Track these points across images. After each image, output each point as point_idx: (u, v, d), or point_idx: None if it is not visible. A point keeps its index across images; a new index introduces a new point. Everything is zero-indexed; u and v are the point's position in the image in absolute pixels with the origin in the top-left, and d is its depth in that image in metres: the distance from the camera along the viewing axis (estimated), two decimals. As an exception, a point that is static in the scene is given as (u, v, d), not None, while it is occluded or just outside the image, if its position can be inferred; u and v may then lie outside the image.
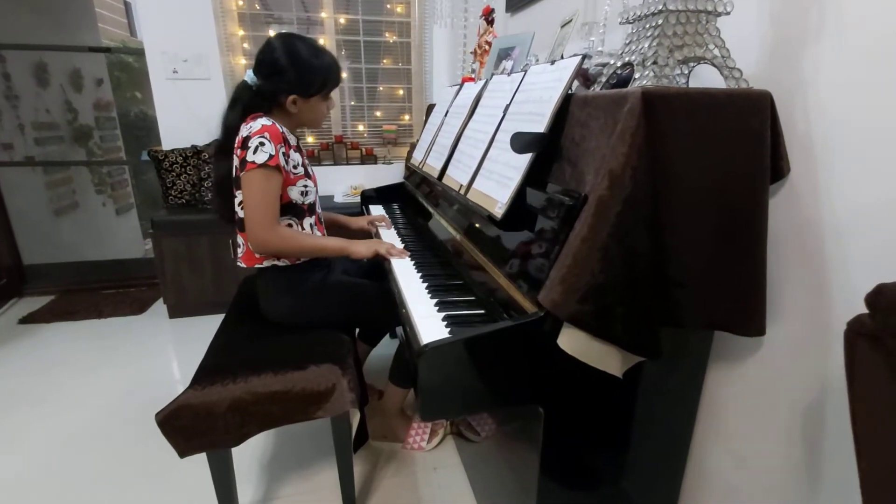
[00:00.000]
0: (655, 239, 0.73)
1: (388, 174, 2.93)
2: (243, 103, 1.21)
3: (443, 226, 1.36)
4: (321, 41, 2.86)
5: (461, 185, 1.18)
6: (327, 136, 2.98)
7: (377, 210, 1.96)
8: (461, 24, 1.97)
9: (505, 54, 1.53)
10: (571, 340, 0.73)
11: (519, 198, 0.90)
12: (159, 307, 2.55)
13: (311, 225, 1.30)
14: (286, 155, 1.18)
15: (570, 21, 1.13)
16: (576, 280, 0.70)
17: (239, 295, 1.50)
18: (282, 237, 1.18)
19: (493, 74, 1.42)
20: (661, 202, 0.73)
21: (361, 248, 1.27)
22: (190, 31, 2.50)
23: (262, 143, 1.11)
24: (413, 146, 2.22)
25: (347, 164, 2.93)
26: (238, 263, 1.28)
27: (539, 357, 0.78)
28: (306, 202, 1.27)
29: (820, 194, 0.76)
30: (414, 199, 1.78)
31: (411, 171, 2.00)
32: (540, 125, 0.89)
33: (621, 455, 0.98)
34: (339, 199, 2.73)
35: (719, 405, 0.98)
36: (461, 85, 1.63)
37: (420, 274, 1.16)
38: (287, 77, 1.18)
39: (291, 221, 1.25)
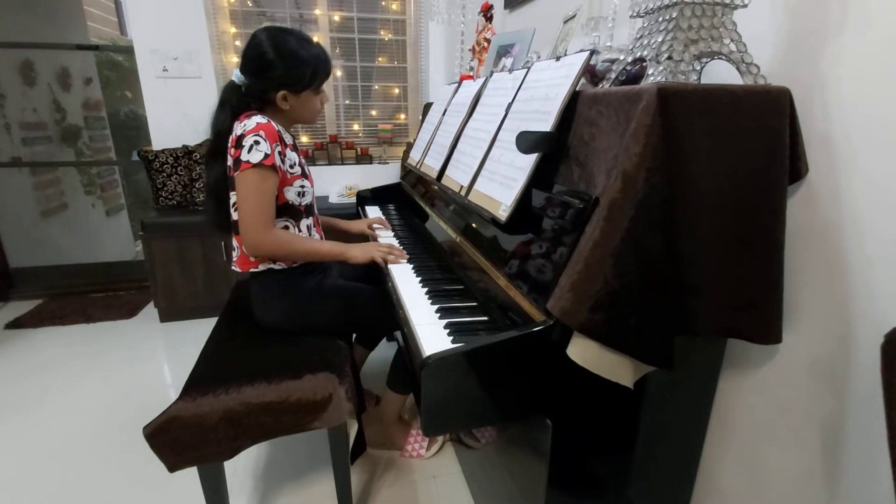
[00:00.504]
0: (670, 244, 0.69)
1: (384, 174, 2.89)
2: (232, 105, 1.16)
3: (441, 227, 1.32)
4: (315, 39, 2.82)
5: (462, 187, 1.14)
6: (322, 136, 2.92)
7: (373, 211, 1.92)
8: (458, 21, 1.93)
9: (504, 51, 1.49)
10: (582, 351, 0.69)
11: (524, 200, 0.87)
12: (150, 311, 2.49)
13: (308, 227, 1.25)
14: (282, 154, 1.13)
15: (574, 16, 1.10)
16: (587, 287, 0.67)
17: (232, 300, 1.45)
18: (277, 240, 1.13)
19: (492, 72, 1.38)
20: (677, 205, 0.69)
21: (358, 253, 1.23)
22: (180, 28, 2.44)
23: (256, 142, 1.07)
24: (409, 145, 2.19)
25: (342, 163, 2.88)
26: (233, 267, 1.23)
27: (547, 367, 0.75)
28: (303, 203, 1.22)
29: (840, 196, 0.73)
30: (411, 200, 1.74)
31: (407, 171, 1.95)
32: (546, 124, 0.85)
33: (631, 465, 0.94)
34: (333, 199, 2.68)
35: (732, 413, 0.95)
36: (459, 83, 1.59)
37: (419, 279, 1.12)
38: (275, 72, 1.13)
39: (288, 223, 1.20)
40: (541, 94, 0.91)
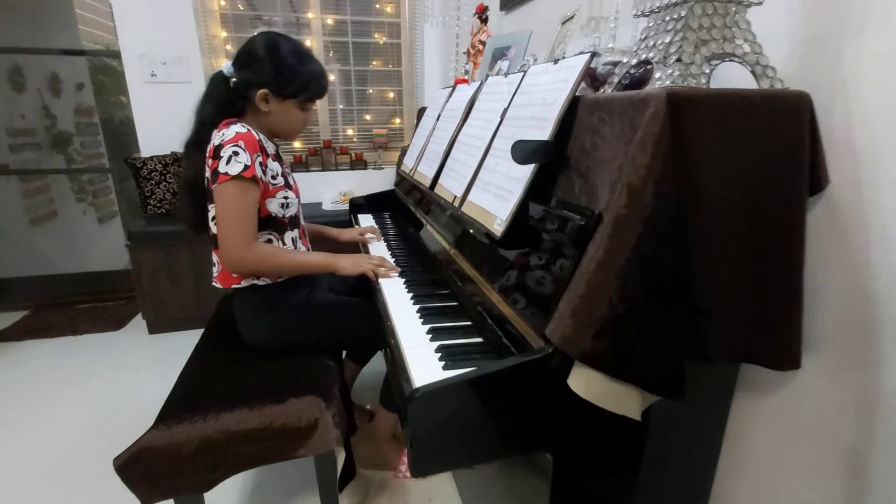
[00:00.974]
0: (681, 262, 0.63)
1: (379, 180, 2.82)
2: (216, 98, 1.11)
3: (435, 238, 1.26)
4: (308, 43, 2.77)
5: (455, 197, 1.08)
6: (315, 142, 2.87)
7: (366, 219, 1.86)
8: (453, 23, 1.87)
9: (500, 54, 1.44)
10: (585, 382, 0.63)
11: (521, 213, 0.80)
12: (139, 322, 2.42)
13: (293, 239, 1.19)
14: (263, 165, 1.07)
15: (573, 17, 1.04)
16: (590, 312, 0.61)
17: (217, 315, 1.39)
18: (259, 255, 1.07)
19: (487, 75, 1.32)
20: (687, 220, 0.63)
21: (347, 265, 1.16)
22: (169, 32, 2.38)
23: (235, 153, 1.01)
24: (404, 151, 2.12)
25: (336, 169, 2.82)
26: (213, 284, 1.17)
27: (547, 398, 0.68)
28: (287, 215, 1.16)
29: (865, 208, 0.67)
30: (405, 208, 1.68)
31: (402, 178, 1.89)
32: (543, 132, 0.79)
33: (638, 495, 0.88)
34: (327, 206, 2.62)
35: (746, 440, 0.88)
36: (454, 87, 1.53)
37: (411, 294, 1.06)
38: (261, 68, 1.07)
39: (271, 236, 1.14)
40: (538, 100, 0.85)
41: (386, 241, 1.52)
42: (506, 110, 0.99)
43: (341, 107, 2.91)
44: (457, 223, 1.12)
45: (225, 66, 1.11)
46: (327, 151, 2.80)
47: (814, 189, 0.70)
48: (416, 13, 2.80)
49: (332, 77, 2.83)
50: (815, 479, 0.79)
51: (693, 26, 0.63)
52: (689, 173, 0.62)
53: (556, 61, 0.86)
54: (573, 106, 0.77)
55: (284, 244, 1.16)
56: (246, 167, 1.00)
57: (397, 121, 3.02)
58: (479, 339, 0.85)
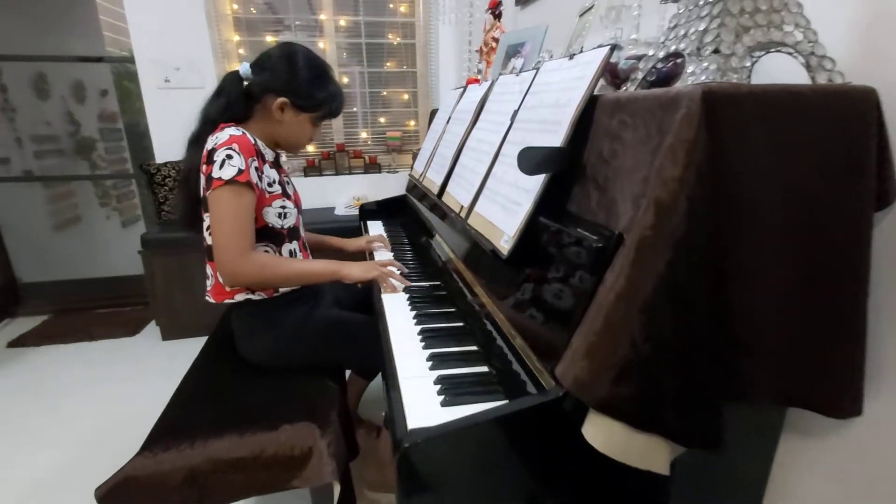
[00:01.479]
0: (718, 293, 0.53)
1: (394, 184, 2.75)
2: (227, 96, 1.06)
3: (444, 249, 1.17)
4: (321, 45, 2.73)
5: (462, 207, 0.99)
6: (329, 145, 2.82)
7: (376, 227, 1.78)
8: (466, 20, 1.79)
9: (514, 51, 1.34)
10: (604, 433, 0.53)
11: (530, 229, 0.71)
12: (153, 328, 2.42)
13: (291, 252, 1.12)
14: (259, 170, 1.01)
15: (591, 7, 0.94)
16: (609, 352, 0.51)
17: (218, 329, 1.34)
18: (258, 265, 1.00)
19: (500, 74, 1.23)
20: (727, 243, 0.53)
21: (356, 271, 1.09)
22: (182, 37, 2.37)
23: (229, 156, 0.95)
24: (415, 155, 2.05)
25: (350, 173, 2.76)
26: (206, 298, 1.11)
27: (558, 445, 0.59)
28: (285, 226, 1.09)
29: (946, 227, 0.55)
30: (416, 215, 1.60)
31: (414, 184, 1.82)
32: (556, 137, 0.70)
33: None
34: (340, 211, 2.56)
35: (793, 496, 0.77)
36: (465, 87, 1.45)
37: (414, 313, 0.98)
38: (284, 77, 1.04)
39: (268, 248, 1.08)
40: (550, 100, 0.76)
41: (395, 250, 1.44)
42: (516, 112, 0.90)
43: (354, 109, 2.85)
44: (464, 236, 1.04)
45: (242, 67, 1.05)
46: (341, 155, 2.75)
47: (881, 204, 0.59)
48: (430, 12, 2.72)
49: (345, 79, 2.78)
50: (878, 539, 0.67)
51: (733, 11, 0.53)
52: (728, 187, 0.51)
53: (571, 56, 0.76)
54: (590, 107, 0.68)
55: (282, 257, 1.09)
56: (240, 171, 0.94)
57: (412, 123, 2.95)
58: (485, 369, 0.77)
